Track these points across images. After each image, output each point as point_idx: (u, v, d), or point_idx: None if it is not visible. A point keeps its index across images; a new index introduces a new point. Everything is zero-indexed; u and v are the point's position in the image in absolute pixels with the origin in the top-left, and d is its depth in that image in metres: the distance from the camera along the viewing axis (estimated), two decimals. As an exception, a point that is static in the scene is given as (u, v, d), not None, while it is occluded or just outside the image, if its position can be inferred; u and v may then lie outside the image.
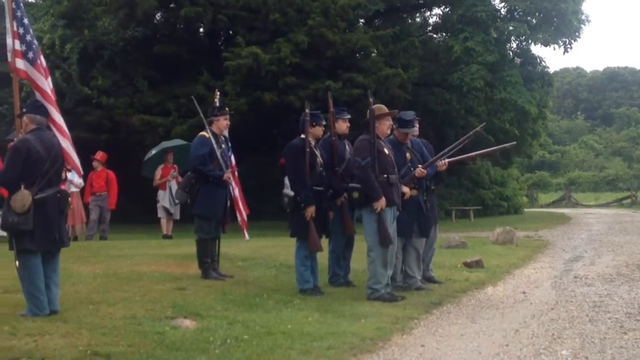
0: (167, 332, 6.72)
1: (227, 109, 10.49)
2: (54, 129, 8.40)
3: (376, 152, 8.73)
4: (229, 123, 10.28)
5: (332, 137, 9.61)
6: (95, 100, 25.49)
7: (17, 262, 7.19)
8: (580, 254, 15.20)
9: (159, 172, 18.45)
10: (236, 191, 11.23)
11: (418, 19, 38.39)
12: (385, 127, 8.99)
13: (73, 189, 17.33)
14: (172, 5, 26.98)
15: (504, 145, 10.39)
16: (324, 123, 9.38)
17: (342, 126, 9.84)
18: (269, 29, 25.52)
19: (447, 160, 9.75)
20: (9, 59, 8.53)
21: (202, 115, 10.29)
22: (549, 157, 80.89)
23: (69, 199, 7.68)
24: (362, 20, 31.24)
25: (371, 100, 8.94)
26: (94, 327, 6.77)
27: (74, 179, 17.47)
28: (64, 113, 24.42)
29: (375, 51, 27.15)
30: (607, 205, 51.46)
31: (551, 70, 37.41)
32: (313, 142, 9.17)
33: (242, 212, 11.36)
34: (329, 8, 25.40)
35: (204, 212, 9.90)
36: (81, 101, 25.61)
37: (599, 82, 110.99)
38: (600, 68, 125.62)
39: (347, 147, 9.72)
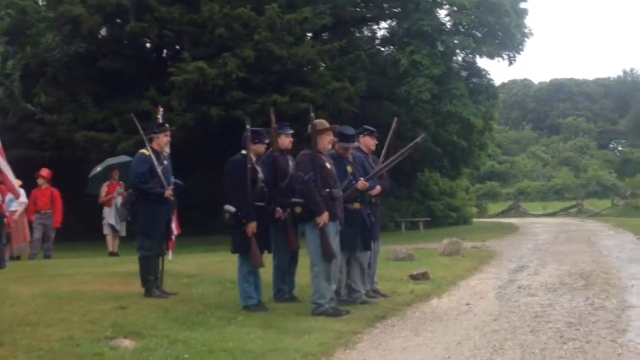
0: (106, 353, 6.62)
1: (167, 125, 10.39)
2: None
3: (318, 167, 8.72)
4: (169, 140, 10.18)
5: (275, 152, 9.58)
6: (38, 116, 25.14)
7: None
8: (525, 263, 15.33)
9: (104, 189, 18.26)
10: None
11: (366, 32, 38.62)
12: (326, 141, 9.00)
13: (15, 207, 17.06)
14: (117, 21, 26.79)
15: (416, 140, 10.40)
16: (266, 141, 9.36)
17: (285, 141, 9.81)
18: (215, 44, 25.40)
19: (364, 179, 9.66)
20: None
21: (141, 132, 10.18)
22: (498, 168, 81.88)
23: (4, 219, 7.53)
24: (309, 34, 31.31)
25: (312, 115, 8.94)
26: (30, 349, 6.63)
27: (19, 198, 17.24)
28: (7, 130, 24.23)
29: (323, 65, 27.23)
30: (554, 214, 52.20)
31: (499, 82, 38.00)
32: (254, 158, 9.14)
33: (172, 231, 11.14)
34: (276, 23, 25.34)
35: (146, 229, 9.80)
36: (24, 118, 25.27)
37: (545, 93, 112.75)
38: (547, 79, 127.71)
39: (290, 162, 9.70)
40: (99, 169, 18.64)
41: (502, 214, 56.16)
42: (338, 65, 27.61)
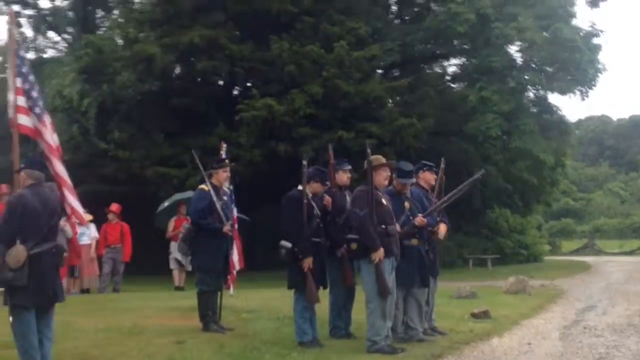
0: (159, 388, 6.68)
1: (227, 161, 10.52)
2: (59, 181, 8.49)
3: (374, 203, 8.71)
4: (229, 175, 10.30)
5: (332, 188, 9.60)
6: (111, 153, 25.75)
7: (10, 318, 7.18)
8: (594, 303, 14.97)
9: (171, 224, 18.50)
10: (233, 244, 11.12)
11: (437, 69, 38.57)
12: (382, 177, 8.98)
13: (85, 241, 17.46)
14: (189, 59, 27.35)
15: (474, 177, 10.29)
16: (327, 183, 9.41)
17: (343, 177, 9.83)
18: (283, 81, 25.76)
19: (422, 215, 9.58)
20: (10, 115, 8.64)
21: (201, 168, 10.34)
22: (573, 205, 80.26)
23: (65, 254, 7.69)
24: (379, 71, 31.47)
25: (368, 151, 8.94)
26: (86, 383, 6.74)
27: (90, 232, 17.65)
28: (80, 166, 24.85)
29: (391, 101, 27.29)
30: (631, 252, 50.78)
31: (575, 118, 37.28)
32: (310, 194, 9.17)
33: (235, 266, 11.22)
34: (344, 60, 25.59)
35: (204, 264, 9.90)
36: (97, 154, 25.90)
37: (624, 130, 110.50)
38: (627, 116, 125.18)
39: (347, 198, 9.69)
40: (166, 204, 18.93)
41: (576, 252, 54.92)
42: (406, 101, 27.66)
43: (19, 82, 8.65)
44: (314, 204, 9.19)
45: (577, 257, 47.30)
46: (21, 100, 8.60)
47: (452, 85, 37.00)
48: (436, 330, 10.31)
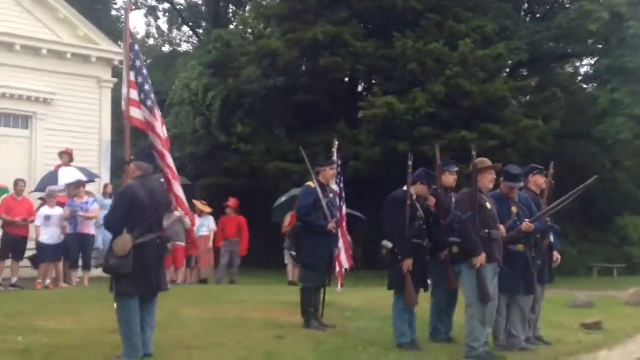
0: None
1: (334, 159, 10.54)
2: (168, 173, 8.70)
3: (478, 206, 8.52)
4: (335, 173, 10.33)
5: (439, 189, 9.47)
6: (234, 146, 26.27)
7: (115, 304, 7.42)
8: None
9: (287, 219, 18.68)
10: (340, 242, 11.14)
11: (569, 69, 37.53)
12: (487, 180, 8.75)
13: (204, 232, 17.89)
14: (315, 55, 27.56)
15: (586, 183, 9.85)
16: (434, 187, 9.28)
17: (449, 179, 9.66)
18: (405, 79, 25.66)
19: (529, 221, 9.26)
20: (123, 107, 8.90)
21: (308, 165, 10.40)
22: None
23: (168, 244, 7.90)
24: (506, 70, 30.89)
25: (473, 153, 8.75)
26: (178, 371, 6.88)
27: (208, 223, 18.08)
28: (202, 158, 25.59)
29: (515, 102, 26.72)
30: None
31: None
32: (414, 195, 9.07)
33: (342, 263, 11.24)
34: (468, 58, 25.23)
35: (308, 261, 9.94)
36: (220, 147, 26.48)
37: None
38: None
39: (453, 199, 9.53)
40: (283, 199, 19.15)
41: None
42: (531, 102, 27.05)
43: (132, 75, 8.87)
44: (417, 205, 9.08)
45: None
46: (134, 94, 8.81)
47: (584, 86, 35.87)
48: (541, 339, 10.00)
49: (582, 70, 37.17)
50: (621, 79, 28.29)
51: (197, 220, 17.45)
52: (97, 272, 13.92)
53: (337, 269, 11.15)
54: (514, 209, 9.29)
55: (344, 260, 10.70)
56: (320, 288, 10.15)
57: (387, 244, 8.86)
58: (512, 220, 9.21)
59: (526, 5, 34.77)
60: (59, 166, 17.18)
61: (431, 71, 25.34)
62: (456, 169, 9.79)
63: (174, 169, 8.93)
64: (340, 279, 11.49)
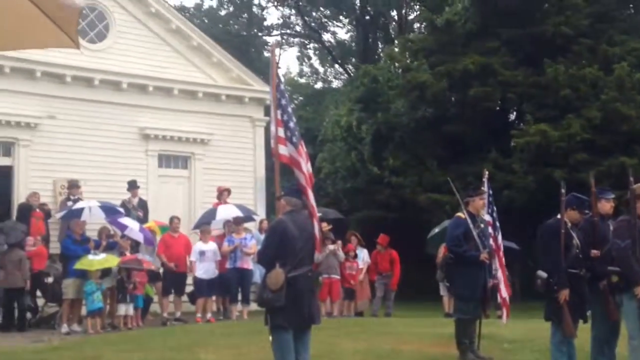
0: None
1: (483, 189, 10.44)
2: (310, 210, 8.85)
3: (638, 234, 8.22)
4: (485, 203, 10.22)
5: (594, 217, 9.20)
6: (387, 179, 26.42)
7: (270, 337, 7.61)
8: None
9: (441, 250, 18.56)
10: (499, 273, 10.98)
11: None
12: (646, 207, 8.45)
13: (361, 266, 18.07)
14: (464, 86, 27.43)
15: None
16: (586, 211, 9.03)
17: (606, 206, 9.36)
18: (558, 105, 25.14)
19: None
20: (272, 145, 9.16)
21: (457, 195, 10.37)
22: None
23: (320, 278, 8.05)
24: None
25: (631, 179, 8.47)
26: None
27: (363, 256, 18.27)
28: (358, 192, 25.83)
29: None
30: None
31: None
32: (569, 224, 8.86)
33: (502, 293, 11.06)
34: (625, 82, 24.44)
35: (462, 292, 9.87)
36: (373, 181, 26.68)
37: None
38: None
39: (610, 228, 9.23)
40: (437, 230, 19.08)
41: None
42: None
43: (279, 113, 9.12)
44: (573, 234, 8.86)
45: None
46: (281, 131, 9.05)
47: None
48: None
49: None
50: None
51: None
52: (256, 306, 14.28)
53: (500, 300, 10.98)
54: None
55: (503, 290, 10.54)
56: (476, 320, 10.03)
57: (543, 274, 8.67)
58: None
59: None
60: (217, 204, 17.80)
61: (585, 97, 24.71)
62: (612, 196, 9.49)
63: (315, 205, 8.98)
64: (506, 310, 11.22)
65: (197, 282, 15.72)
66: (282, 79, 9.52)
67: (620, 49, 25.79)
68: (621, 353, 9.32)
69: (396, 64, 30.55)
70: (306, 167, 9.02)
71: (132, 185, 17.27)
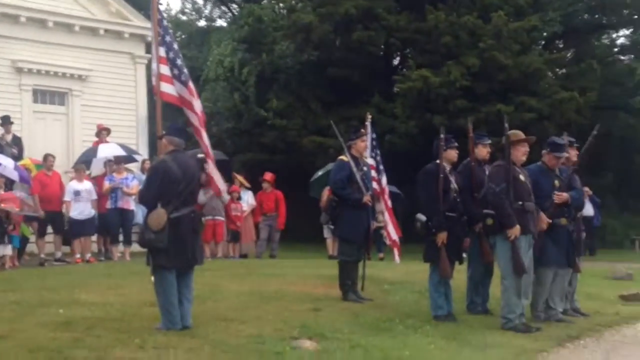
0: (287, 353, 6.84)
1: (363, 131, 10.58)
2: (203, 149, 8.75)
3: (511, 179, 8.56)
4: (367, 145, 10.38)
5: (472, 162, 9.50)
6: (270, 121, 26.37)
7: (152, 278, 7.58)
8: None
9: (325, 193, 18.72)
10: (386, 215, 11.23)
11: (605, 41, 37.00)
12: (520, 153, 8.79)
13: (245, 208, 18.06)
14: (346, 29, 27.53)
15: (592, 134, 9.79)
16: (456, 145, 9.29)
17: (482, 151, 9.69)
18: (439, 52, 25.52)
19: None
20: (153, 83, 8.98)
21: (340, 139, 10.46)
22: None
23: (203, 219, 8.01)
24: (542, 42, 30.61)
25: (507, 125, 8.78)
26: (217, 344, 6.98)
27: (247, 199, 18.25)
28: (241, 134, 25.65)
29: (551, 74, 26.49)
30: None
31: None
32: (448, 168, 9.12)
33: (391, 235, 11.32)
34: (502, 31, 25.05)
35: (345, 234, 10.01)
36: (257, 123, 26.58)
37: None
38: None
39: (487, 172, 9.54)
40: (320, 173, 19.20)
41: None
42: (567, 74, 26.80)
43: (162, 51, 8.90)
44: (451, 178, 9.13)
45: None
46: (164, 69, 8.82)
47: (621, 57, 35.38)
48: (578, 311, 10.04)
49: (619, 42, 36.65)
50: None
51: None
52: (138, 247, 14.14)
53: (389, 242, 11.20)
54: (556, 182, 9.31)
55: (392, 232, 10.74)
56: (359, 261, 10.20)
57: (422, 217, 8.93)
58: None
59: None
60: (97, 142, 17.42)
61: (465, 44, 25.17)
62: (489, 141, 9.83)
63: (209, 146, 8.93)
64: (397, 251, 11.43)
65: (72, 222, 15.31)
66: (165, 16, 9.26)
67: (498, -2, 26.37)
68: (494, 292, 9.77)
69: (281, 4, 30.30)
70: (198, 106, 8.90)
71: (5, 121, 16.47)
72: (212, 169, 8.67)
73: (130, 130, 19.73)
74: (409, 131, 24.54)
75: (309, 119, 26.74)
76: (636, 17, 31.51)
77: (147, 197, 7.61)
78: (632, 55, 32.47)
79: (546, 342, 8.02)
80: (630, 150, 32.84)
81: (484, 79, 24.80)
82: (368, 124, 11.65)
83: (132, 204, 15.69)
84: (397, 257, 11.28)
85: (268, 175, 18.67)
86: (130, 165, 17.42)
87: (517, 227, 8.40)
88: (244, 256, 18.04)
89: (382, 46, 27.98)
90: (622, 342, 8.40)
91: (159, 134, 8.28)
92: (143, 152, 19.28)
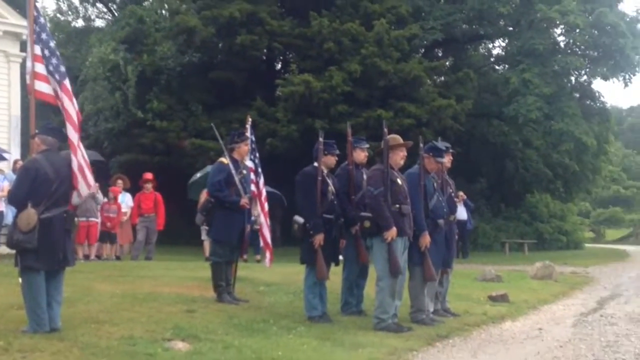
0: (158, 354, 6.76)
1: (247, 135, 10.58)
2: (71, 150, 8.49)
3: (389, 182, 8.71)
4: (249, 149, 10.38)
5: (350, 165, 9.62)
6: (149, 122, 26.01)
7: (20, 279, 7.35)
8: (619, 292, 14.79)
9: (203, 195, 18.57)
10: (261, 217, 11.23)
11: (482, 51, 38.23)
12: (398, 157, 8.98)
13: (125, 210, 17.74)
14: (229, 33, 27.46)
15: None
16: (337, 152, 9.42)
17: (360, 155, 9.83)
18: (322, 58, 25.81)
19: None
20: (28, 81, 8.72)
21: (221, 141, 10.44)
22: (623, 193, 78.66)
23: (76, 219, 7.82)
24: (422, 50, 31.32)
25: (385, 130, 8.93)
26: (87, 346, 6.83)
27: (126, 200, 17.94)
28: (119, 135, 25.20)
29: (430, 81, 27.17)
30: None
31: (627, 105, 36.43)
32: (325, 171, 9.21)
33: (266, 237, 11.31)
34: (383, 38, 25.50)
35: (218, 236, 9.98)
36: (136, 123, 26.18)
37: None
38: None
39: (364, 176, 9.68)
40: (198, 175, 19.10)
41: (620, 240, 54.23)
42: (446, 82, 27.55)
43: (37, 49, 8.67)
44: (328, 181, 9.22)
45: (620, 245, 46.65)
46: (39, 67, 8.59)
47: (497, 67, 36.64)
48: (448, 311, 10.31)
49: (495, 52, 37.98)
50: (531, 60, 29.04)
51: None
52: (7, 249, 13.68)
53: (262, 244, 11.21)
54: (435, 185, 9.57)
55: (267, 234, 10.77)
56: (232, 263, 10.19)
57: (299, 219, 8.99)
58: (435, 197, 9.51)
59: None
60: (-34, 142, 16.81)
61: (347, 50, 25.54)
62: (367, 145, 9.97)
63: (76, 145, 8.61)
64: (269, 254, 11.38)
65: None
66: (41, 13, 9.02)
67: (380, 6, 26.88)
68: (369, 294, 9.91)
69: (165, 6, 29.98)
70: (71, 104, 8.63)
71: None
72: (76, 166, 8.38)
73: (2, 130, 19.11)
74: (290, 135, 24.66)
75: (190, 121, 26.53)
76: (511, 28, 32.65)
77: (17, 197, 7.36)
78: (507, 65, 33.62)
79: (417, 342, 8.17)
80: (503, 156, 34.05)
81: (365, 84, 25.21)
82: (248, 126, 11.58)
83: (2, 205, 15.18)
84: (267, 261, 11.23)
85: (148, 175, 18.40)
86: (2, 166, 16.85)
87: (394, 229, 8.55)
88: (118, 258, 17.72)
89: (265, 50, 28.06)
90: (488, 341, 8.64)
91: (32, 133, 8.04)
92: (15, 152, 18.69)
